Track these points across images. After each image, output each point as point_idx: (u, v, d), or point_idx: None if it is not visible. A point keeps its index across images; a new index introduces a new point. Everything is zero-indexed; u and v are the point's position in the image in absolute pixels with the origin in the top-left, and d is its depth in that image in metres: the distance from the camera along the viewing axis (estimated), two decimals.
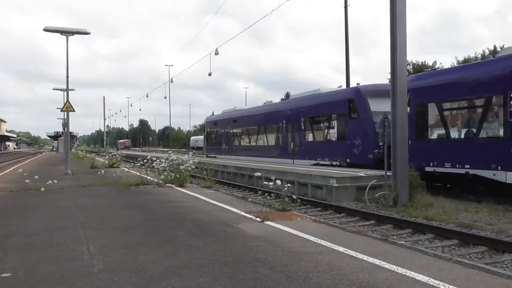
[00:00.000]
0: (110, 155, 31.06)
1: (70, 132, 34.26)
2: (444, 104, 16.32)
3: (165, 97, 65.42)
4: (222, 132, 37.71)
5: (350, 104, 21.40)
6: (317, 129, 24.85)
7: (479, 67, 12.71)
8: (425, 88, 16.76)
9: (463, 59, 57.42)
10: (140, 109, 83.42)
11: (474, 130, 15.38)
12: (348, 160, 21.40)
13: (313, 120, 24.94)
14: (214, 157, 35.43)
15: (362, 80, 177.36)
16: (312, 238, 7.26)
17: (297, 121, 25.95)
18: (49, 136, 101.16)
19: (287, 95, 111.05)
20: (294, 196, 11.18)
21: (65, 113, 26.23)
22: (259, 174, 13.30)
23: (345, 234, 7.87)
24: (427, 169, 16.29)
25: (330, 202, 14.30)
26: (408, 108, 15.45)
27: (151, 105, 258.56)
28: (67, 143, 26.59)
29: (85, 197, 13.35)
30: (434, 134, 17.08)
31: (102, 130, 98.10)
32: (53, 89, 41.24)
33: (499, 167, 13.73)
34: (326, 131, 23.94)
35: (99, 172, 20.55)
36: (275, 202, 11.84)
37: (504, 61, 14.04)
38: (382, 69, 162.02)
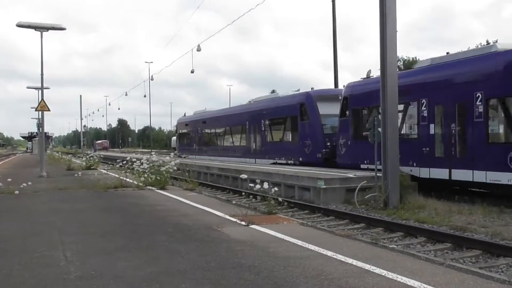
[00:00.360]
0: (87, 156, 30.83)
1: (45, 133, 33.93)
2: (373, 108, 18.69)
3: (145, 96, 65.04)
4: (192, 133, 40.66)
5: (301, 107, 24.19)
6: (275, 130, 27.56)
7: (400, 78, 14.74)
8: (359, 95, 19.85)
9: None
10: (119, 108, 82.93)
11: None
12: (300, 159, 23.96)
13: (272, 122, 27.70)
14: (186, 157, 37.73)
15: (351, 77, 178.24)
16: (299, 242, 7.26)
17: (258, 123, 28.77)
18: (23, 137, 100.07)
19: (273, 92, 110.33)
20: (280, 199, 11.20)
21: (40, 112, 25.96)
22: (245, 176, 13.29)
23: (333, 238, 7.89)
24: (362, 166, 18.90)
25: (318, 205, 14.36)
26: (347, 113, 20.16)
27: (131, 104, 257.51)
28: (42, 144, 26.34)
29: (61, 200, 13.22)
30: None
31: (79, 130, 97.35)
32: (27, 87, 40.57)
33: (414, 164, 16.73)
34: (282, 132, 26.72)
35: (76, 175, 20.41)
36: (261, 205, 11.84)
37: (419, 73, 17.24)
38: (371, 65, 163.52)
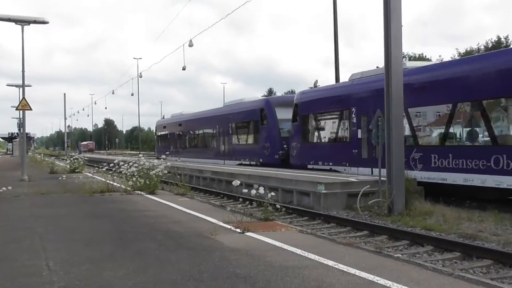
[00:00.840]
0: (71, 158, 30.74)
1: (27, 133, 33.86)
2: (317, 115, 23.38)
3: (133, 94, 64.90)
4: (169, 136, 45.19)
5: (261, 113, 28.18)
6: (240, 133, 31.69)
7: (336, 88, 19.74)
8: (307, 102, 23.91)
9: (464, 51, 58.10)
10: (105, 108, 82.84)
11: (334, 136, 22.40)
12: (261, 160, 27.87)
13: (237, 126, 31.83)
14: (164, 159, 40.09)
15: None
16: (298, 251, 7.27)
17: (227, 127, 32.89)
18: (2, 138, 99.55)
19: (270, 91, 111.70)
20: (278, 205, 11.20)
21: (21, 112, 25.89)
22: (238, 182, 13.26)
23: (334, 246, 7.90)
24: (308, 166, 23.05)
25: (318, 211, 14.35)
26: (297, 118, 24.07)
27: (118, 103, 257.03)
28: (23, 146, 26.26)
29: (44, 205, 13.19)
30: (312, 139, 23.91)
31: (63, 131, 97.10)
32: (7, 85, 40.47)
33: (347, 164, 20.82)
34: (246, 135, 30.85)
35: (59, 178, 20.35)
36: (257, 211, 11.85)
37: (350, 85, 21.36)
38: (374, 62, 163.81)
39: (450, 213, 13.23)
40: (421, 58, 60.17)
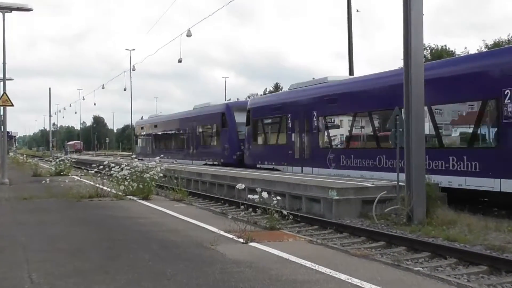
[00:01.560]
0: (57, 160, 30.80)
1: (8, 132, 33.88)
2: (263, 120, 29.29)
3: (125, 89, 65.06)
4: (147, 136, 51.64)
5: (222, 116, 34.03)
6: (205, 135, 38.04)
7: (277, 96, 27.25)
8: (257, 108, 29.85)
9: (492, 42, 57.81)
10: (94, 104, 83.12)
11: (276, 139, 27.91)
12: (222, 161, 33.45)
13: (203, 129, 37.96)
14: (142, 159, 42.94)
15: (368, 68, 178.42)
16: (308, 263, 7.25)
17: (195, 129, 38.93)
18: None
19: (276, 86, 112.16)
20: (284, 212, 11.19)
21: (2, 108, 25.95)
22: (242, 186, 13.27)
23: (348, 258, 7.89)
24: (257, 165, 28.26)
25: (330, 219, 14.35)
26: (250, 122, 29.87)
27: (108, 99, 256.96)
28: (4, 146, 26.29)
29: (27, 212, 13.21)
30: (260, 141, 29.66)
31: (47, 129, 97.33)
32: None
33: (285, 163, 26.33)
34: (210, 137, 37.10)
35: (43, 181, 20.40)
36: (262, 219, 11.83)
37: (288, 94, 27.76)
38: (391, 54, 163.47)
39: (476, 222, 13.18)
40: (443, 50, 59.93)
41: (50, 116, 70.90)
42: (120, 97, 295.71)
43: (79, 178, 22.99)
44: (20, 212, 13.19)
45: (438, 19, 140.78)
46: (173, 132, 44.35)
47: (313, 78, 27.87)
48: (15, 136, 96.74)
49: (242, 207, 12.79)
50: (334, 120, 24.03)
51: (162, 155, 39.67)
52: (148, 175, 16.60)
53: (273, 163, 26.94)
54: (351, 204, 15.16)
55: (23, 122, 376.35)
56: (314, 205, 15.95)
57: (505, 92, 15.26)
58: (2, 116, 26.49)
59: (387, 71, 21.80)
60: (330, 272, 6.73)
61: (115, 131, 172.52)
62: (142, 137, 53.71)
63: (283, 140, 26.84)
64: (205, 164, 34.07)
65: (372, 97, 20.84)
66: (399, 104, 14.30)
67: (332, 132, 23.97)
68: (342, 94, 22.68)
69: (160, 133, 47.75)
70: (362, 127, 22.33)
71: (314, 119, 24.11)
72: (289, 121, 26.05)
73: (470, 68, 17.16)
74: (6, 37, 23.40)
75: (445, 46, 62.00)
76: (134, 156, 47.57)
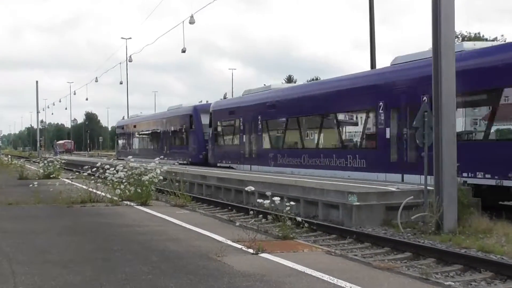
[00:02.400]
0: (45, 161, 30.94)
1: None
2: (222, 122, 35.60)
3: (121, 82, 65.22)
4: (126, 137, 59.04)
5: (190, 119, 40.00)
6: (177, 136, 44.02)
7: (233, 100, 34.55)
8: (217, 111, 36.00)
9: None
10: (86, 99, 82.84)
11: (231, 140, 34.22)
12: (190, 160, 38.97)
13: (174, 130, 44.11)
14: (122, 159, 49.77)
15: (391, 58, 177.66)
16: (325, 277, 7.26)
17: (167, 130, 45.35)
18: None
19: (289, 79, 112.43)
20: (299, 219, 11.18)
21: None
22: (252, 188, 13.28)
23: (370, 271, 7.89)
24: (218, 164, 33.92)
25: (349, 227, 14.32)
26: (212, 124, 36.23)
27: (102, 93, 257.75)
28: None
29: (12, 219, 13.27)
30: (220, 142, 35.91)
31: (35, 127, 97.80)
32: None
33: (238, 162, 32.06)
34: (180, 138, 43.32)
35: (31, 185, 20.41)
36: (274, 227, 11.85)
37: (241, 98, 34.34)
38: (418, 42, 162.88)
39: None
40: (477, 38, 59.64)
41: (38, 112, 71.35)
42: (115, 91, 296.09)
43: (70, 182, 23.11)
44: (5, 219, 13.24)
45: (471, 2, 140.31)
46: (150, 132, 50.97)
47: (264, 85, 35.68)
48: None
49: (251, 213, 12.78)
50: (273, 124, 30.13)
51: (139, 154, 47.62)
52: (147, 177, 16.62)
53: (230, 162, 32.48)
54: (373, 211, 15.11)
55: (7, 119, 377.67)
56: (332, 211, 15.92)
57: (379, 104, 21.03)
58: None
59: (315, 81, 32.92)
60: (351, 287, 6.74)
61: (109, 129, 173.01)
62: (122, 137, 61.31)
63: (236, 141, 33.46)
64: (177, 163, 37.79)
65: (300, 105, 26.93)
66: (319, 111, 24.83)
67: (271, 134, 30.34)
68: (279, 101, 28.93)
69: (138, 133, 55.16)
70: (293, 130, 28.48)
71: (259, 122, 30.43)
72: (241, 124, 32.62)
73: (359, 83, 23.31)
74: None
75: (479, 33, 61.74)
76: (115, 156, 55.97)
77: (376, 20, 32.37)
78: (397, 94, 20.33)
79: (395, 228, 14.13)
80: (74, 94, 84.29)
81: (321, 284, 6.92)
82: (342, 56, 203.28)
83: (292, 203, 10.91)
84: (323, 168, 24.21)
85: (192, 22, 31.62)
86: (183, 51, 36.48)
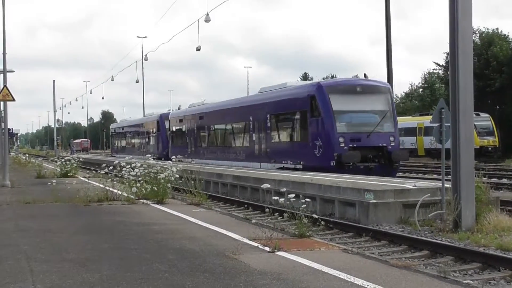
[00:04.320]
0: (63, 160, 31.12)
1: (9, 129, 34.30)
2: (175, 127, 45.72)
3: (137, 81, 65.50)
4: (117, 137, 72.06)
5: (157, 124, 51.31)
6: (149, 137, 55.29)
7: (181, 111, 47.04)
8: (173, 118, 46.69)
9: None
10: (103, 98, 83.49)
11: (180, 140, 44.43)
12: (157, 155, 45.36)
13: (148, 131, 55.38)
14: (114, 156, 64.28)
15: (407, 54, 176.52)
16: (342, 275, 7.25)
17: (144, 132, 56.85)
18: None
19: (305, 76, 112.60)
20: (315, 216, 11.17)
21: (2, 103, 26.28)
22: (267, 186, 13.28)
23: (387, 269, 7.87)
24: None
25: (366, 225, 14.27)
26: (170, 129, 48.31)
27: (118, 92, 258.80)
28: (5, 145, 26.65)
29: (30, 217, 13.37)
30: (175, 142, 45.59)
31: (52, 126, 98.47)
32: None
33: (186, 156, 34.35)
34: (152, 138, 54.70)
35: (48, 184, 20.56)
36: (290, 225, 11.84)
37: (185, 110, 46.84)
38: (434, 36, 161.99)
39: None
40: (495, 34, 59.02)
41: (55, 111, 71.65)
42: (130, 90, 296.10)
43: (87, 180, 23.19)
44: (23, 217, 13.36)
45: None
46: (131, 133, 63.49)
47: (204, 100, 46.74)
48: (16, 134, 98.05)
49: (267, 211, 12.80)
50: (202, 130, 40.53)
51: (126, 151, 62.29)
52: (163, 176, 16.68)
53: (180, 156, 33.90)
54: (390, 209, 15.05)
55: (25, 119, 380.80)
56: (348, 209, 15.88)
57: (250, 118, 31.84)
58: (2, 112, 26.82)
59: (224, 101, 40.63)
60: (368, 285, 6.71)
61: None
62: (115, 137, 74.54)
63: (183, 141, 43.81)
64: (151, 158, 44.40)
65: (214, 116, 38.39)
66: (224, 121, 37.40)
67: (202, 137, 40.85)
68: (205, 113, 39.79)
69: (124, 134, 67.35)
70: (212, 134, 39.48)
71: (195, 128, 41.35)
72: (185, 129, 43.34)
73: (242, 104, 35.01)
74: (6, 24, 23.68)
75: (497, 29, 61.04)
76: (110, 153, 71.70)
77: (392, 15, 32.28)
78: (257, 112, 31.36)
79: (412, 226, 14.07)
80: (91, 93, 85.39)
81: (338, 283, 6.90)
82: (358, 52, 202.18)
83: (307, 199, 10.90)
84: (228, 160, 34.68)
85: (207, 20, 31.75)
86: (198, 49, 36.60)
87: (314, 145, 25.27)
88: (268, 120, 29.91)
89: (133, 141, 62.28)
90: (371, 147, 24.76)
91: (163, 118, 50.20)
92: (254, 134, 31.62)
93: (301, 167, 26.25)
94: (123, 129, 68.12)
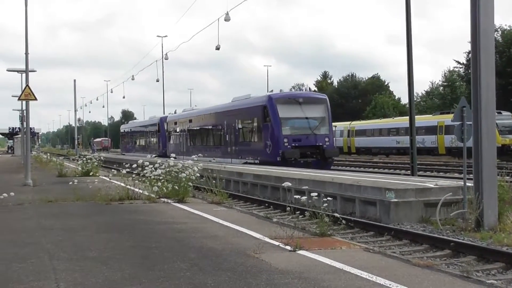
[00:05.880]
0: (84, 159, 31.36)
1: (31, 128, 34.62)
2: (171, 129, 53.85)
3: (158, 80, 65.73)
4: (127, 137, 78.81)
5: (158, 126, 57.85)
6: (151, 137, 62.38)
7: (176, 115, 57.47)
8: (170, 121, 55.08)
9: None
10: (123, 97, 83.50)
11: (175, 140, 52.83)
12: (157, 153, 52.16)
13: (150, 132, 62.50)
14: (124, 154, 74.46)
15: (429, 53, 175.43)
16: (364, 274, 7.23)
17: (147, 132, 64.23)
18: (1, 134, 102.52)
19: (325, 75, 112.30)
20: (337, 215, 11.15)
21: (24, 102, 26.52)
22: (288, 184, 13.26)
23: (409, 268, 7.83)
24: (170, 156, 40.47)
25: (387, 224, 14.21)
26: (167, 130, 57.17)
27: (138, 91, 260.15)
28: (26, 143, 26.88)
29: (52, 216, 13.49)
30: (170, 141, 54.06)
31: (72, 125, 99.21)
32: (8, 70, 41.17)
33: (179, 154, 34.18)
34: (153, 138, 61.43)
35: (70, 183, 20.73)
36: (311, 224, 11.82)
37: (179, 114, 56.75)
38: (455, 34, 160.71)
39: None
40: None
41: (76, 111, 72.39)
42: (149, 89, 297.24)
43: (108, 179, 23.34)
44: (45, 216, 13.48)
45: None
46: (137, 133, 70.43)
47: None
48: (38, 133, 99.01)
49: (288, 210, 12.81)
50: (192, 131, 47.07)
51: (134, 150, 69.74)
52: (184, 174, 16.73)
53: (175, 154, 38.55)
54: (412, 208, 14.97)
55: (45, 118, 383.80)
56: (369, 208, 15.82)
57: (224, 122, 39.61)
58: (24, 112, 27.05)
59: (207, 107, 48.37)
60: (390, 284, 6.69)
61: None
62: (124, 137, 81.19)
63: (177, 141, 50.89)
64: (151, 156, 46.76)
65: (198, 120, 45.47)
66: (205, 125, 44.16)
67: (191, 137, 47.59)
68: (194, 117, 46.93)
69: (131, 134, 74.79)
70: (198, 135, 46.07)
71: (186, 130, 48.15)
72: (179, 131, 50.17)
73: (218, 110, 42.09)
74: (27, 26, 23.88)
75: None
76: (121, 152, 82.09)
77: (412, 13, 31.98)
78: (229, 117, 38.09)
79: (434, 225, 13.98)
80: (111, 92, 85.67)
81: (360, 282, 6.88)
82: (377, 50, 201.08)
83: (329, 198, 10.88)
84: (210, 157, 36.24)
85: (227, 19, 31.76)
86: (217, 48, 36.65)
87: (266, 145, 32.34)
88: (236, 125, 37.11)
89: (139, 140, 69.40)
90: (309, 146, 31.50)
91: (163, 121, 56.88)
92: (227, 136, 38.77)
93: (258, 161, 33.15)
94: (130, 130, 75.83)
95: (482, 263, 10.43)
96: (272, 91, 38.57)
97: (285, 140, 31.23)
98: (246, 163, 34.11)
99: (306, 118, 32.51)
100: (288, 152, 30.72)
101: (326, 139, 32.23)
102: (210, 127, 43.20)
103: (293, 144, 31.21)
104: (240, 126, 36.94)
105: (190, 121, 47.43)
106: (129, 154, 69.34)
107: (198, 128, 45.80)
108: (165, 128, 55.44)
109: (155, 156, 47.48)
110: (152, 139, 61.84)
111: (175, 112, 61.57)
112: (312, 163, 30.68)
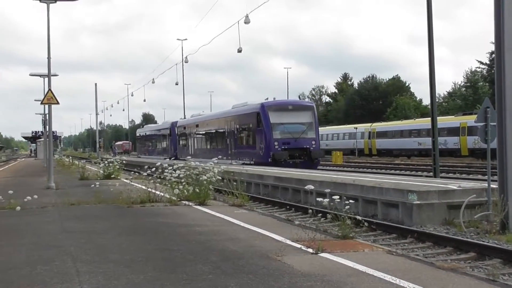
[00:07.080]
0: (105, 162, 31.54)
1: (53, 132, 34.91)
2: (181, 133, 58.22)
3: (176, 83, 65.93)
4: (141, 141, 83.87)
5: (169, 130, 62.33)
6: (163, 141, 66.57)
7: (184, 120, 61.66)
8: (180, 126, 59.15)
9: None
10: (144, 100, 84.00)
11: (185, 143, 56.98)
12: (169, 156, 54.02)
13: (162, 136, 66.82)
14: (140, 156, 79.64)
15: (450, 54, 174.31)
16: (387, 277, 7.18)
17: (159, 137, 69.79)
18: (25, 138, 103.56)
19: (345, 77, 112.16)
20: (359, 218, 11.09)
21: (47, 106, 26.74)
22: (311, 187, 13.23)
23: (433, 271, 7.75)
24: (180, 158, 42.32)
25: (410, 227, 14.12)
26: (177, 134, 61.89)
27: (158, 94, 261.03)
28: (49, 147, 27.11)
29: (75, 219, 13.57)
30: (180, 144, 58.10)
31: (94, 128, 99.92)
32: (31, 74, 41.42)
33: (188, 156, 42.23)
34: (164, 142, 66.33)
35: (92, 185, 20.89)
36: (333, 226, 11.78)
37: (187, 119, 61.95)
38: (477, 34, 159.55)
39: None
40: None
41: (97, 114, 72.91)
42: (169, 92, 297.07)
43: (129, 182, 23.48)
44: (68, 219, 13.57)
45: None
46: (151, 137, 75.15)
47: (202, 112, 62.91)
48: (60, 137, 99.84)
49: (309, 212, 12.77)
50: (198, 135, 51.22)
51: (148, 153, 75.15)
52: (205, 177, 16.73)
53: (184, 157, 42.42)
54: (434, 210, 14.86)
55: (67, 121, 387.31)
56: (391, 210, 15.73)
57: (225, 127, 43.11)
58: (47, 116, 27.27)
59: (211, 113, 56.59)
60: (414, 287, 6.62)
61: None
62: (139, 141, 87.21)
63: (186, 144, 54.85)
64: (162, 159, 51.23)
65: (204, 125, 49.25)
66: (210, 129, 48.31)
67: (197, 140, 51.96)
68: (200, 122, 50.82)
69: (145, 139, 79.54)
70: (204, 139, 50.09)
71: (194, 134, 52.34)
72: (187, 135, 54.73)
73: (221, 116, 46.35)
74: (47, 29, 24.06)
75: None
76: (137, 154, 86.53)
77: (434, 13, 31.77)
78: (230, 123, 41.60)
79: (457, 228, 13.86)
80: (132, 95, 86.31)
81: (384, 285, 6.83)
82: (398, 51, 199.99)
83: (351, 200, 10.84)
84: (212, 158, 40.51)
85: (247, 21, 31.85)
86: (239, 51, 36.81)
87: (260, 147, 36.02)
88: (236, 129, 40.97)
89: (153, 144, 73.82)
90: (297, 148, 34.98)
91: (174, 125, 61.06)
92: (228, 139, 42.45)
93: (253, 162, 36.32)
94: (145, 134, 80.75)
95: (508, 267, 10.33)
96: (267, 99, 41.29)
97: (276, 143, 34.89)
98: (243, 164, 36.74)
99: (295, 123, 36.11)
100: (278, 154, 34.32)
101: (313, 142, 35.89)
102: (213, 131, 46.84)
103: (283, 147, 34.85)
104: (238, 130, 40.82)
105: (197, 125, 51.51)
106: (144, 157, 73.90)
107: (203, 132, 49.86)
108: (176, 132, 59.33)
109: (165, 158, 51.44)
110: (164, 143, 65.95)
111: (184, 118, 65.78)
112: (300, 163, 33.96)
